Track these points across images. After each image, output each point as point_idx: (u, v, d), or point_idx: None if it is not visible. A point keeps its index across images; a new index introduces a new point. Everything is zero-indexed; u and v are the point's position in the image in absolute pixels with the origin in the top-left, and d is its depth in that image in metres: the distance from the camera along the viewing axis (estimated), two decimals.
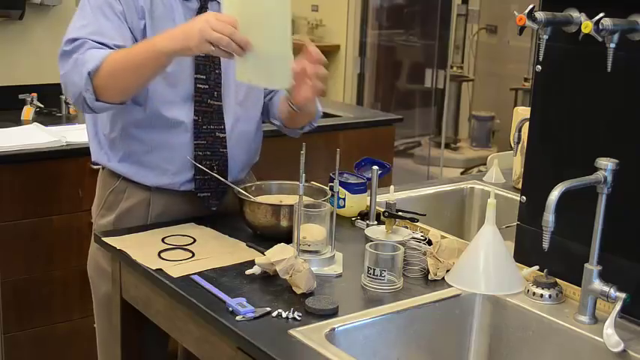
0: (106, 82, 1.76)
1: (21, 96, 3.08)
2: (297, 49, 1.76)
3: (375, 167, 1.95)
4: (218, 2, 1.89)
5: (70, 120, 3.11)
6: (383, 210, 1.87)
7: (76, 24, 1.84)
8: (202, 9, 1.90)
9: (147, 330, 1.92)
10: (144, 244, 1.83)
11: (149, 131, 1.91)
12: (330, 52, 6.74)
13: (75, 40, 1.79)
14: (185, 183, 1.96)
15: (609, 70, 1.43)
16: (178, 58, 1.79)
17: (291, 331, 1.42)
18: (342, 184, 2.00)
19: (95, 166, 2.10)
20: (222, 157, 1.97)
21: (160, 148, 1.93)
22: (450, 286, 1.65)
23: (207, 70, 1.91)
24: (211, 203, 1.99)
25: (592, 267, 1.48)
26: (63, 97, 3.16)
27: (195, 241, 1.86)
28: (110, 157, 1.96)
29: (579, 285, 1.52)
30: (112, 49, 1.79)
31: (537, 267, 1.66)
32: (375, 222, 1.94)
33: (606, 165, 1.44)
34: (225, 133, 1.96)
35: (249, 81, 1.80)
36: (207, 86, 1.91)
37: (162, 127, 1.91)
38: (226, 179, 1.97)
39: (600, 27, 1.40)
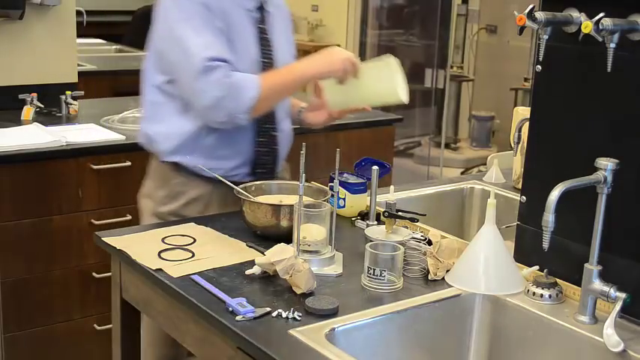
0: (259, 106, 1.98)
1: (21, 96, 3.07)
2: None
3: (375, 167, 1.95)
4: (267, 11, 2.10)
5: (70, 120, 3.11)
6: (383, 210, 1.87)
7: (196, 40, 1.93)
8: (262, 18, 2.09)
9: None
10: (144, 244, 1.83)
11: (223, 130, 2.04)
12: None
13: (214, 59, 1.91)
14: (244, 176, 2.10)
15: (609, 70, 1.43)
16: (253, 60, 2.04)
17: (291, 331, 1.42)
18: (342, 184, 2.00)
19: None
20: (275, 152, 2.15)
21: (227, 144, 2.06)
22: (450, 286, 1.65)
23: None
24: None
25: (592, 267, 1.48)
26: (63, 97, 3.16)
27: (195, 241, 1.86)
28: (178, 151, 2.07)
29: (579, 285, 1.52)
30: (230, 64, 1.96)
31: (537, 267, 1.66)
32: (375, 222, 1.94)
33: (606, 165, 1.44)
34: (276, 132, 2.14)
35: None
36: None
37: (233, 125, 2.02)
38: (275, 173, 2.17)
39: (600, 27, 1.40)
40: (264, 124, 2.10)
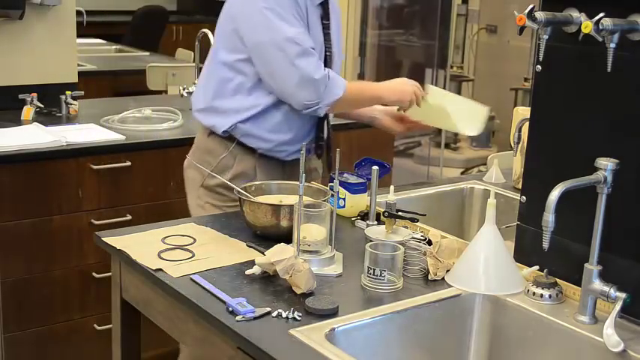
0: (337, 105, 2.21)
1: (21, 96, 3.07)
2: None
3: (375, 167, 1.95)
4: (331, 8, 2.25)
5: (70, 120, 3.11)
6: (383, 210, 1.87)
7: (290, 28, 2.10)
8: (326, 13, 2.23)
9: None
10: (144, 244, 1.83)
11: (289, 113, 2.21)
12: None
13: (311, 48, 2.12)
14: (293, 153, 2.26)
15: (609, 70, 1.43)
16: (319, 52, 2.19)
17: (291, 331, 1.42)
18: (342, 184, 2.00)
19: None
20: (328, 142, 2.34)
21: (290, 127, 2.23)
22: (450, 286, 1.65)
23: (328, 65, 2.22)
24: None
25: (592, 267, 1.48)
26: (63, 97, 3.16)
27: (195, 241, 1.86)
28: (231, 122, 2.21)
29: (579, 285, 1.52)
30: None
31: (537, 267, 1.66)
32: (375, 222, 1.94)
33: (606, 165, 1.44)
34: (330, 124, 2.34)
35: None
36: None
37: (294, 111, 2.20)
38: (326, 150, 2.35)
39: (600, 27, 1.40)
40: (326, 116, 2.29)
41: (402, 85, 2.27)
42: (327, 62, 2.24)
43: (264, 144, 2.23)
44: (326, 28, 2.24)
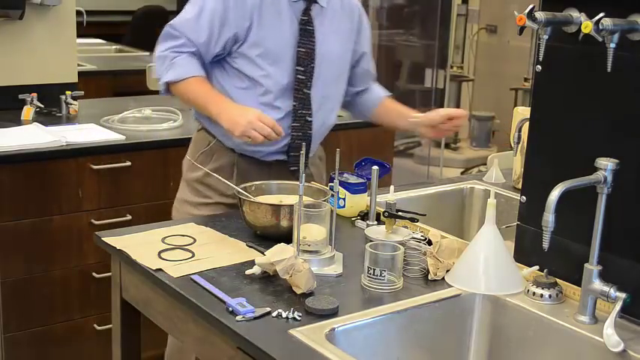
0: (175, 92, 2.18)
1: (21, 96, 3.07)
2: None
3: (375, 167, 1.95)
4: (320, 5, 2.18)
5: (70, 120, 3.11)
6: (383, 210, 1.87)
7: (186, 14, 2.15)
8: (307, 9, 2.16)
9: None
10: (144, 244, 1.83)
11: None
12: None
13: (177, 30, 2.14)
14: (274, 154, 2.21)
15: (609, 70, 1.43)
16: (286, 48, 2.15)
17: (291, 331, 1.42)
18: (342, 184, 2.00)
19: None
20: (309, 137, 2.23)
21: None
22: (450, 286, 1.65)
23: (306, 63, 2.17)
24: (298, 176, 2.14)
25: (592, 267, 1.48)
26: (63, 97, 3.15)
27: (195, 241, 1.86)
28: (209, 120, 2.18)
29: (579, 285, 1.52)
30: (198, 50, 2.14)
31: (537, 267, 1.66)
32: (375, 222, 1.94)
33: (606, 165, 1.44)
34: (312, 117, 2.22)
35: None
36: (303, 77, 2.17)
37: (264, 107, 2.14)
38: (309, 155, 2.27)
39: (600, 27, 1.40)
40: (300, 110, 2.19)
41: (237, 116, 2.02)
42: (302, 61, 2.16)
43: (236, 143, 2.19)
44: (305, 24, 2.16)
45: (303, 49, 2.17)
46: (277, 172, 2.21)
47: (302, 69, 2.17)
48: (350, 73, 2.36)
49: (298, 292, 1.57)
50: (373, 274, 1.62)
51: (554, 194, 1.39)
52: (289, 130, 2.20)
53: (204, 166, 2.23)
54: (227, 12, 2.10)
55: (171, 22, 2.16)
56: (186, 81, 2.12)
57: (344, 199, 2.04)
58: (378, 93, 2.49)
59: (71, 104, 3.16)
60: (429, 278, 1.67)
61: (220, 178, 2.07)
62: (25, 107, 3.05)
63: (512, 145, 2.13)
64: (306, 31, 2.17)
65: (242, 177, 2.17)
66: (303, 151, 1.70)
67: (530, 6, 1.48)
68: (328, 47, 2.23)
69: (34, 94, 3.09)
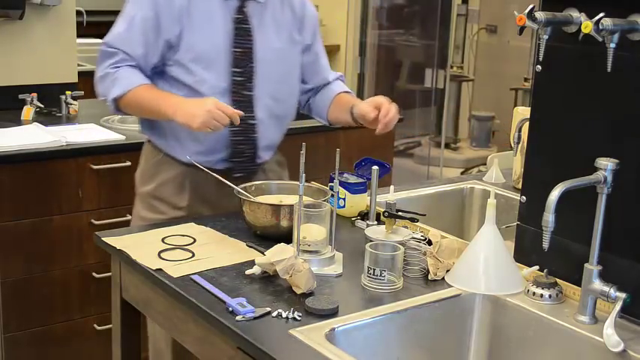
0: (125, 106, 2.08)
1: (21, 96, 3.07)
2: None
3: (375, 167, 1.95)
4: (257, 1, 2.08)
5: (70, 120, 3.11)
6: (383, 210, 1.87)
7: (117, 28, 2.08)
8: (241, 7, 2.07)
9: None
10: (144, 244, 1.83)
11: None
12: (330, 52, 6.73)
13: (112, 47, 2.05)
14: (219, 162, 2.11)
15: (609, 70, 1.43)
16: (219, 50, 2.05)
17: (291, 331, 1.42)
18: (342, 184, 2.00)
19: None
20: (253, 141, 2.13)
21: (195, 138, 2.07)
22: (450, 286, 1.65)
23: (243, 64, 2.07)
24: (244, 183, 2.06)
25: (592, 267, 1.48)
26: (63, 97, 3.16)
27: (195, 241, 1.86)
28: (153, 132, 2.15)
29: (579, 285, 1.52)
30: (137, 62, 2.05)
31: (537, 267, 1.66)
32: (375, 222, 1.94)
33: (606, 165, 1.44)
34: (255, 120, 2.11)
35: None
36: (242, 78, 2.07)
37: None
38: (256, 160, 2.15)
39: (600, 27, 1.40)
40: (249, 129, 2.08)
41: (193, 108, 1.93)
42: (240, 62, 2.06)
43: (185, 153, 2.09)
44: (239, 23, 2.06)
45: (240, 50, 2.07)
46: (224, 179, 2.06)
47: (239, 70, 2.06)
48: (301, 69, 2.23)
49: (298, 292, 1.57)
50: (373, 274, 1.62)
51: (554, 194, 1.39)
52: (229, 133, 2.08)
53: (154, 179, 2.15)
54: (158, 19, 2.02)
55: (105, 39, 2.08)
56: (134, 91, 2.03)
57: (344, 199, 2.04)
58: (332, 90, 2.30)
59: (71, 104, 3.17)
60: (429, 278, 1.67)
61: (217, 175, 2.01)
62: (25, 107, 3.06)
63: (512, 145, 2.13)
64: (241, 30, 2.07)
65: (194, 188, 2.11)
66: (303, 151, 1.70)
67: (530, 6, 1.48)
68: (269, 44, 2.12)
69: (34, 94, 3.10)
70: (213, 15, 2.05)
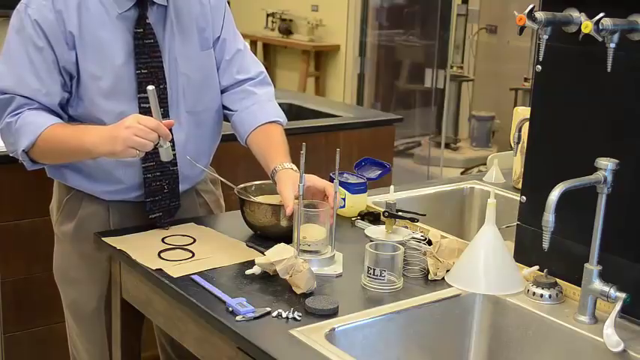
0: (40, 156, 1.82)
1: None
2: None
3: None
4: (158, 5, 1.83)
5: None
6: (383, 210, 1.87)
7: (2, 69, 1.80)
8: (141, 18, 1.80)
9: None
10: (144, 244, 1.83)
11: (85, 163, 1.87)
12: (330, 52, 6.76)
13: (4, 94, 1.78)
14: (139, 197, 1.92)
15: (609, 70, 1.43)
16: (120, 74, 1.79)
17: (291, 331, 1.42)
18: (342, 184, 2.00)
19: None
20: (172, 174, 1.91)
21: (111, 169, 1.87)
22: (450, 286, 1.65)
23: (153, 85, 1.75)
24: (164, 223, 1.94)
25: (592, 267, 1.48)
26: None
27: (195, 241, 1.86)
28: (64, 173, 1.93)
29: (579, 285, 1.52)
30: (38, 102, 1.78)
31: (537, 267, 1.66)
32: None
33: (606, 165, 1.44)
34: (174, 150, 1.84)
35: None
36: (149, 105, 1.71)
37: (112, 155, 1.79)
38: (178, 196, 1.94)
39: (600, 27, 1.40)
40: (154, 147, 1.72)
41: (113, 130, 1.67)
42: (147, 85, 1.71)
43: (101, 192, 1.91)
44: (140, 39, 1.79)
45: (145, 70, 1.80)
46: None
47: (146, 96, 1.71)
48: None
49: (298, 292, 1.57)
50: (373, 274, 1.62)
51: (554, 194, 1.39)
52: (142, 171, 1.87)
53: (74, 214, 1.94)
54: (43, 51, 1.76)
55: None
56: (43, 135, 1.75)
57: (344, 199, 2.04)
58: (256, 117, 1.97)
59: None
60: (429, 278, 1.67)
61: (221, 178, 2.01)
62: None
63: (512, 145, 2.13)
64: (144, 47, 1.80)
65: (119, 221, 1.93)
66: (303, 151, 1.70)
67: (530, 6, 1.48)
68: (180, 54, 1.86)
69: None
70: (108, 35, 1.78)
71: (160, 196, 1.91)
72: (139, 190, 1.92)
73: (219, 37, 1.96)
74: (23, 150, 1.80)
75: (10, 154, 1.88)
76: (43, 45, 1.77)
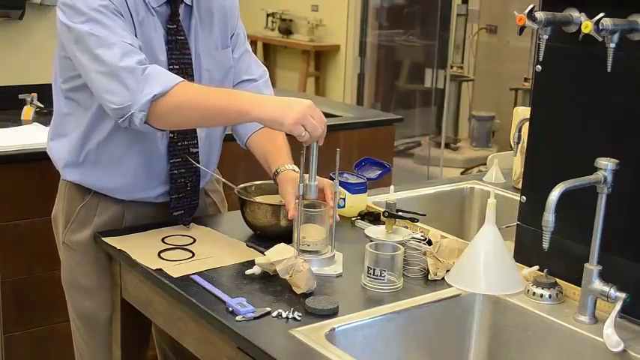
0: (165, 110, 1.67)
1: (21, 96, 3.07)
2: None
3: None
4: (185, 4, 1.84)
5: None
6: (383, 210, 1.87)
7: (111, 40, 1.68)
8: (173, 14, 1.81)
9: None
10: (144, 244, 1.83)
11: (126, 148, 1.85)
12: (330, 52, 6.76)
13: (131, 44, 1.68)
14: (160, 195, 1.92)
15: (609, 70, 1.43)
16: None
17: (291, 331, 1.42)
18: (342, 184, 2.00)
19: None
20: (195, 171, 1.93)
21: (137, 165, 1.87)
22: (450, 286, 1.65)
23: None
24: (185, 220, 1.94)
25: (592, 267, 1.48)
26: None
27: (195, 241, 1.86)
28: (84, 173, 1.90)
29: (579, 285, 1.52)
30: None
31: (537, 267, 1.66)
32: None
33: (606, 165, 1.44)
34: (198, 148, 1.90)
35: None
36: None
37: (139, 143, 1.84)
38: (198, 194, 1.96)
39: (600, 27, 1.40)
40: (181, 142, 1.84)
41: (290, 102, 1.63)
42: (185, 74, 1.78)
43: (124, 192, 1.90)
44: (172, 34, 1.80)
45: (177, 66, 1.80)
46: (164, 211, 1.93)
47: None
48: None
49: (298, 292, 1.57)
50: (373, 274, 1.62)
51: (554, 194, 1.39)
52: (169, 167, 1.87)
53: (89, 222, 1.89)
54: (123, 16, 1.72)
55: (89, 32, 1.68)
56: (180, 87, 1.67)
57: (344, 199, 2.04)
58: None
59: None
60: (429, 278, 1.67)
61: (222, 178, 2.02)
62: (25, 107, 3.05)
63: (512, 145, 2.13)
64: (176, 43, 1.81)
65: (132, 223, 1.93)
66: (303, 152, 1.69)
67: (530, 6, 1.48)
68: (204, 49, 1.88)
69: (34, 94, 3.09)
70: (149, 26, 1.77)
71: (183, 193, 1.92)
72: (164, 186, 1.90)
73: (233, 33, 1.98)
74: (153, 97, 1.64)
75: (115, 107, 1.67)
76: (121, 12, 1.71)
